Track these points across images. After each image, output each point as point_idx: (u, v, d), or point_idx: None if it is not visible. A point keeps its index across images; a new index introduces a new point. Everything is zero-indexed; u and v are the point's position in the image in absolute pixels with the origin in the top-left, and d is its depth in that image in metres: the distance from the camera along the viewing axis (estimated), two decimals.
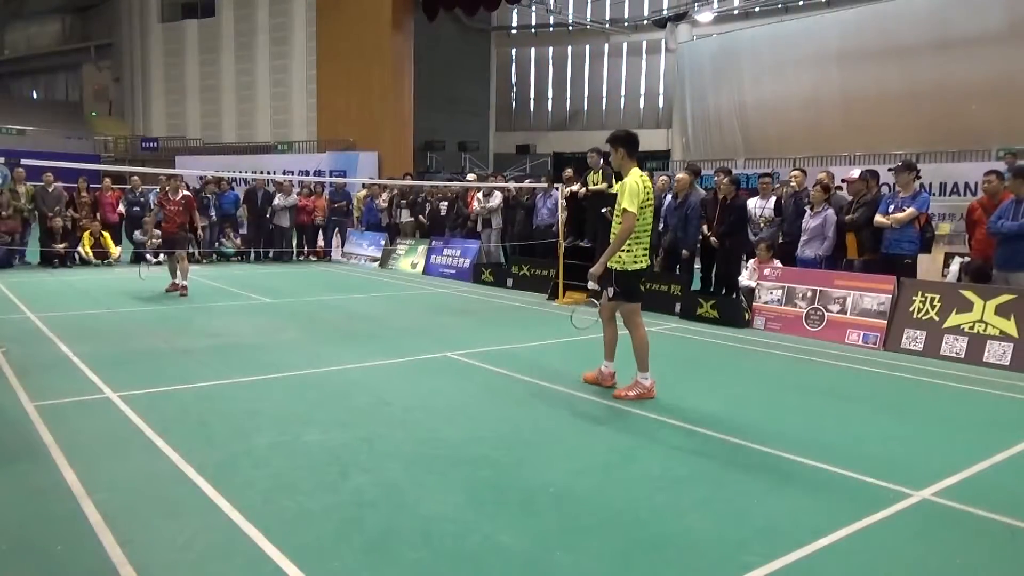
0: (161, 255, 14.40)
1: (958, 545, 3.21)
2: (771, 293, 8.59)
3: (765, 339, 8.00)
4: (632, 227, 5.27)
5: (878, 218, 8.06)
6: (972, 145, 18.76)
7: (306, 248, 16.58)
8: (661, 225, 10.10)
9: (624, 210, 5.24)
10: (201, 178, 16.05)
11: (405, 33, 26.95)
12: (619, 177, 5.83)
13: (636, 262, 5.39)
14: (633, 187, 5.24)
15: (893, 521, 3.42)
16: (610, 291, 5.47)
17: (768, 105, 22.96)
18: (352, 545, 3.07)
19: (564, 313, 9.55)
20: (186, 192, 10.73)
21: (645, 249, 5.47)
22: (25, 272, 12.81)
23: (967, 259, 8.71)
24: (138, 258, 14.56)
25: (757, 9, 27.70)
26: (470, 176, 17.81)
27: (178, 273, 10.36)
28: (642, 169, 5.51)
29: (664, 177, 10.40)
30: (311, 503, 3.46)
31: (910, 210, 7.84)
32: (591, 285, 5.62)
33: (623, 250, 5.35)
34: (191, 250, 12.81)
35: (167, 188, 10.56)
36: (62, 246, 13.57)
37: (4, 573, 2.81)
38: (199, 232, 11.72)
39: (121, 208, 14.90)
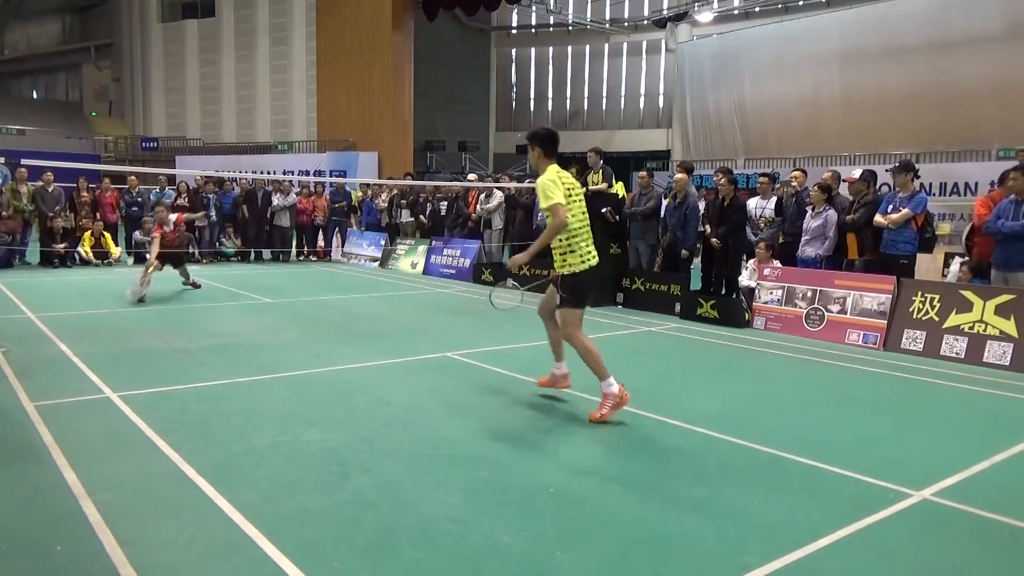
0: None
1: (958, 545, 3.21)
2: (771, 293, 8.59)
3: (765, 339, 8.00)
4: (564, 220, 4.74)
5: (877, 218, 8.09)
6: (972, 145, 18.79)
7: (306, 248, 16.59)
8: (660, 225, 10.11)
9: (552, 206, 4.71)
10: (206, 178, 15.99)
11: (405, 33, 26.97)
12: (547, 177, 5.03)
13: (584, 262, 4.91)
14: (546, 182, 4.79)
15: (893, 521, 3.42)
16: (557, 298, 5.03)
17: (768, 105, 22.99)
18: (352, 545, 3.07)
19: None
20: (172, 216, 10.58)
21: (590, 245, 4.97)
22: (25, 272, 12.80)
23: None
24: (139, 258, 14.55)
25: (757, 9, 27.71)
26: (471, 176, 17.82)
27: (185, 275, 10.60)
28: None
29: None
30: (311, 503, 3.46)
31: (904, 211, 7.85)
32: (510, 267, 5.18)
33: (569, 251, 4.90)
34: (191, 250, 12.84)
35: (159, 220, 10.32)
36: (62, 246, 13.56)
37: (4, 573, 2.81)
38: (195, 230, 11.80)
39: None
